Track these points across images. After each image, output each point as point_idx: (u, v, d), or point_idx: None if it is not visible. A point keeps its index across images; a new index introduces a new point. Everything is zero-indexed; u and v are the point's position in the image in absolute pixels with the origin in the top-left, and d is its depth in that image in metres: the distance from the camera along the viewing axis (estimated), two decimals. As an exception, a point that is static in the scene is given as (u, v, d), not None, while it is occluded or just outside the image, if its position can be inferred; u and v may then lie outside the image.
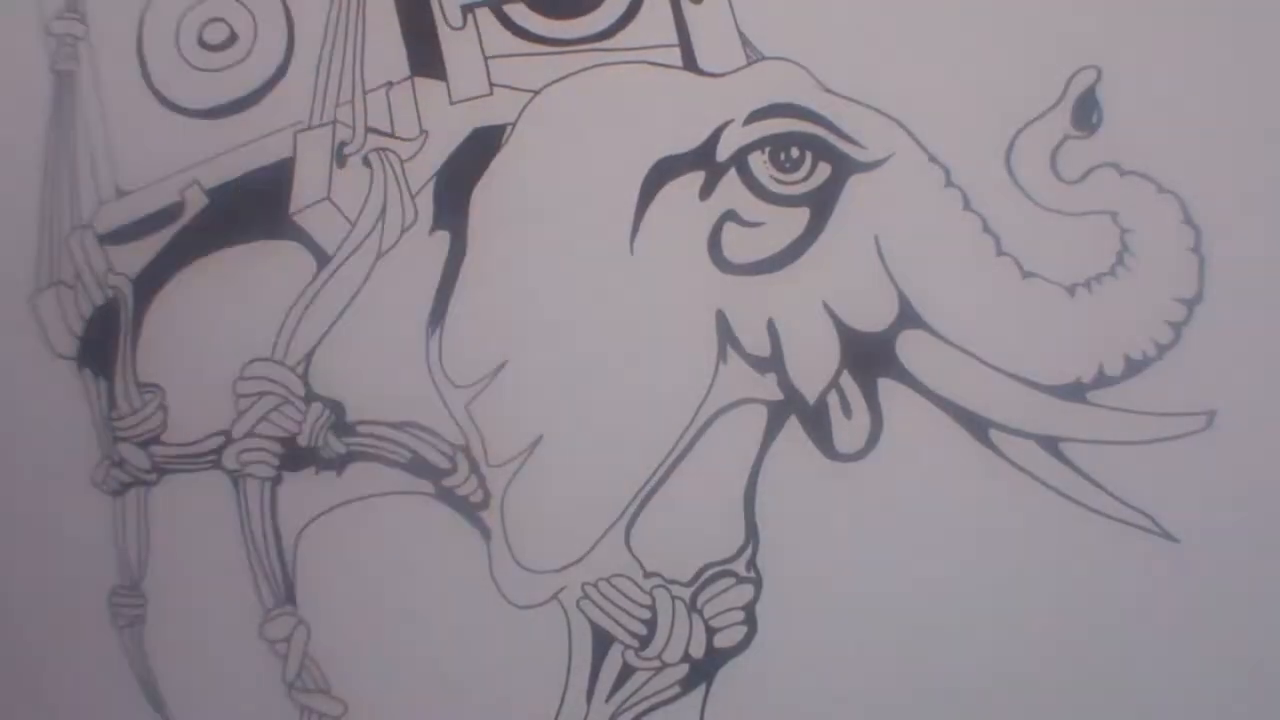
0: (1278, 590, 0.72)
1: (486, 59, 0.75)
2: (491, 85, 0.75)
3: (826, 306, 0.73)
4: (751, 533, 0.74)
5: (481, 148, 0.75)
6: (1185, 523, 0.71)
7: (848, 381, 0.73)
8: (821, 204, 0.72)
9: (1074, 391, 0.71)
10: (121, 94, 0.79)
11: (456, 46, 0.75)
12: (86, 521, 0.80)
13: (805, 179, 0.72)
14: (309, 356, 0.77)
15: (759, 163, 0.72)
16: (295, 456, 0.77)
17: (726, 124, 0.73)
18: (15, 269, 0.81)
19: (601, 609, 0.75)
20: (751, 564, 0.74)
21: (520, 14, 0.74)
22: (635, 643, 0.75)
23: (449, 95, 0.75)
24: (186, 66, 0.78)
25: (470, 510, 0.75)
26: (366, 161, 0.76)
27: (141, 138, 0.79)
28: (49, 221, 0.80)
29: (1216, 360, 0.70)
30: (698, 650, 0.75)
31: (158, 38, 0.78)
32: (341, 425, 0.76)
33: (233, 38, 0.77)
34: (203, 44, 0.77)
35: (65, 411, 0.81)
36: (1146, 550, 0.71)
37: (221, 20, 0.77)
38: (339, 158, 0.76)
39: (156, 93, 0.78)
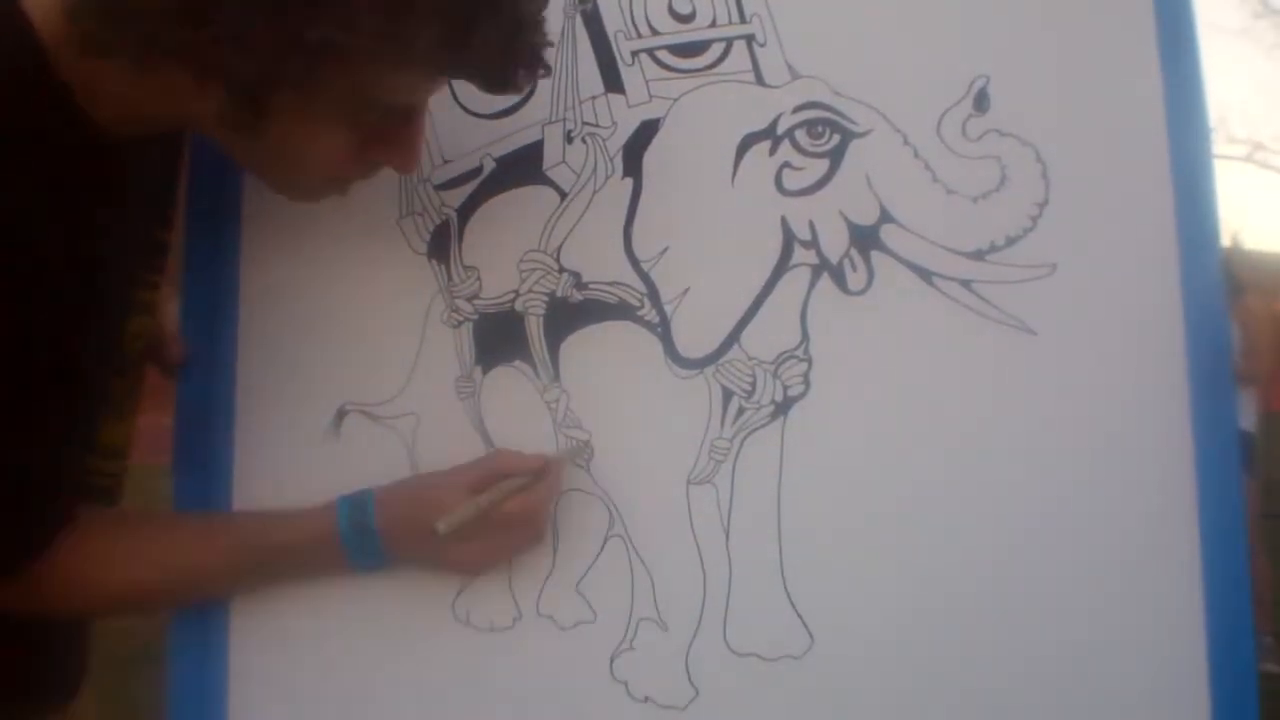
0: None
1: (647, 81, 1.26)
2: (651, 95, 1.25)
3: (840, 212, 1.24)
4: (805, 335, 1.21)
5: (648, 131, 1.24)
6: (1042, 326, 1.22)
7: (854, 253, 1.22)
8: (836, 156, 1.24)
9: (978, 255, 1.22)
10: (437, 103, 1.30)
11: (630, 74, 1.26)
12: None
13: (826, 142, 1.23)
14: (559, 248, 1.23)
15: (800, 134, 1.24)
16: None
17: (781, 113, 1.24)
18: (386, 205, 1.23)
19: (728, 378, 1.26)
20: (806, 352, 1.24)
21: (664, 55, 1.26)
22: (745, 394, 1.30)
23: (626, 101, 1.25)
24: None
25: (653, 330, 1.30)
26: (584, 140, 1.24)
27: (452, 131, 1.22)
28: (405, 178, 1.26)
29: (1058, 237, 1.21)
30: (779, 397, 1.21)
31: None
32: (580, 284, 1.28)
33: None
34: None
35: (417, 283, 1.22)
36: (1016, 340, 1.23)
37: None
38: (568, 139, 1.24)
39: (463, 106, 1.26)
